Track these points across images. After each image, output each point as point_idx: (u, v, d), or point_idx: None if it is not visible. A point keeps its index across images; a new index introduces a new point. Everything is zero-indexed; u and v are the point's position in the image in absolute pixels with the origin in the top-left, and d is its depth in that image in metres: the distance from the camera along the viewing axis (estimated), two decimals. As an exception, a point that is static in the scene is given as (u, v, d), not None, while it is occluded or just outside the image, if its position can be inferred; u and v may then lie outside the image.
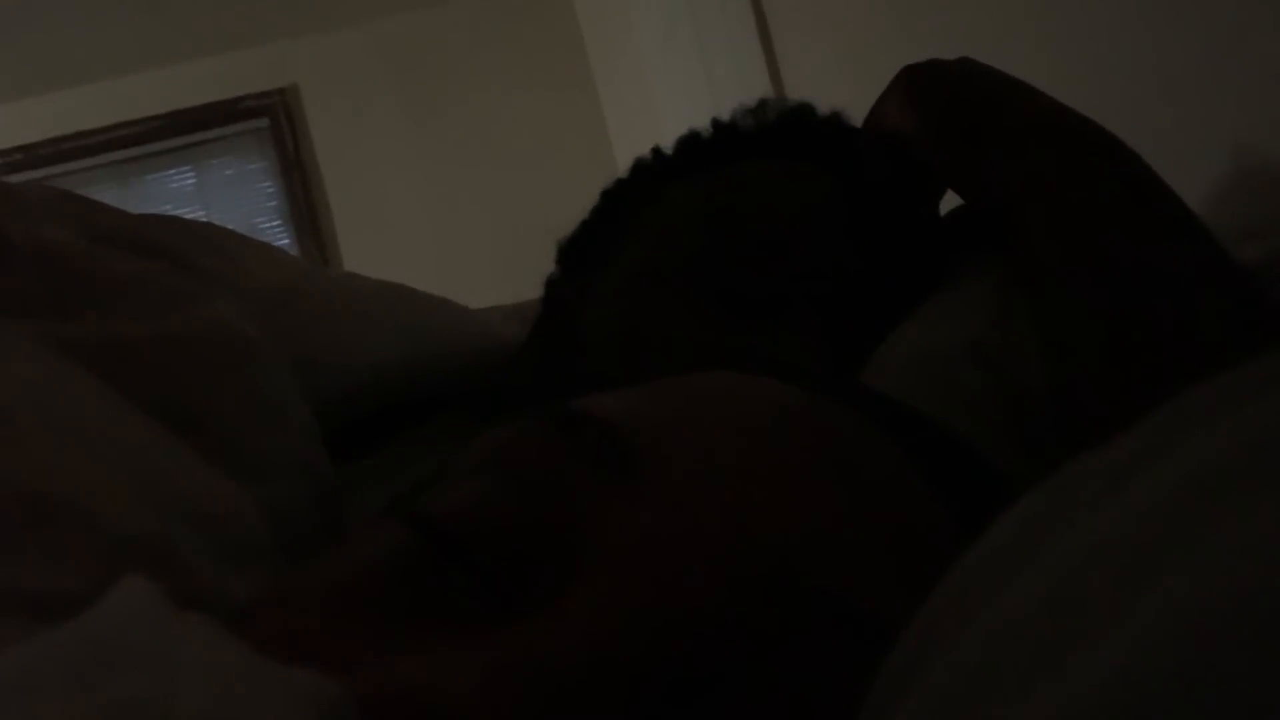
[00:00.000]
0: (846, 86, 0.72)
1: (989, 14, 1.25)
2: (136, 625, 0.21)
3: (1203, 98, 0.84)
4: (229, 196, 3.89)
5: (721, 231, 0.63)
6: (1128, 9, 0.94)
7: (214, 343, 0.48)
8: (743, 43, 2.09)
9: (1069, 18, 1.03)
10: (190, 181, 3.96)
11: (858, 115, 0.71)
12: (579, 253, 0.71)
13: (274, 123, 3.89)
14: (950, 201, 0.67)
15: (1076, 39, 1.02)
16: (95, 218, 0.55)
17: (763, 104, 0.72)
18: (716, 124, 0.72)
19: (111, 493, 0.36)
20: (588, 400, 0.32)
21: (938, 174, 0.64)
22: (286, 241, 3.79)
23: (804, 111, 0.71)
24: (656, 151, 0.73)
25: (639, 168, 0.73)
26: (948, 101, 0.62)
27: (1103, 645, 0.18)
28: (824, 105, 0.72)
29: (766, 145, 0.69)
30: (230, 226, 0.68)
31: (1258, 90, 0.78)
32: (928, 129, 0.62)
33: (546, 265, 0.73)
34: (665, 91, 2.83)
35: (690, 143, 0.72)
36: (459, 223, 3.81)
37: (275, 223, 3.87)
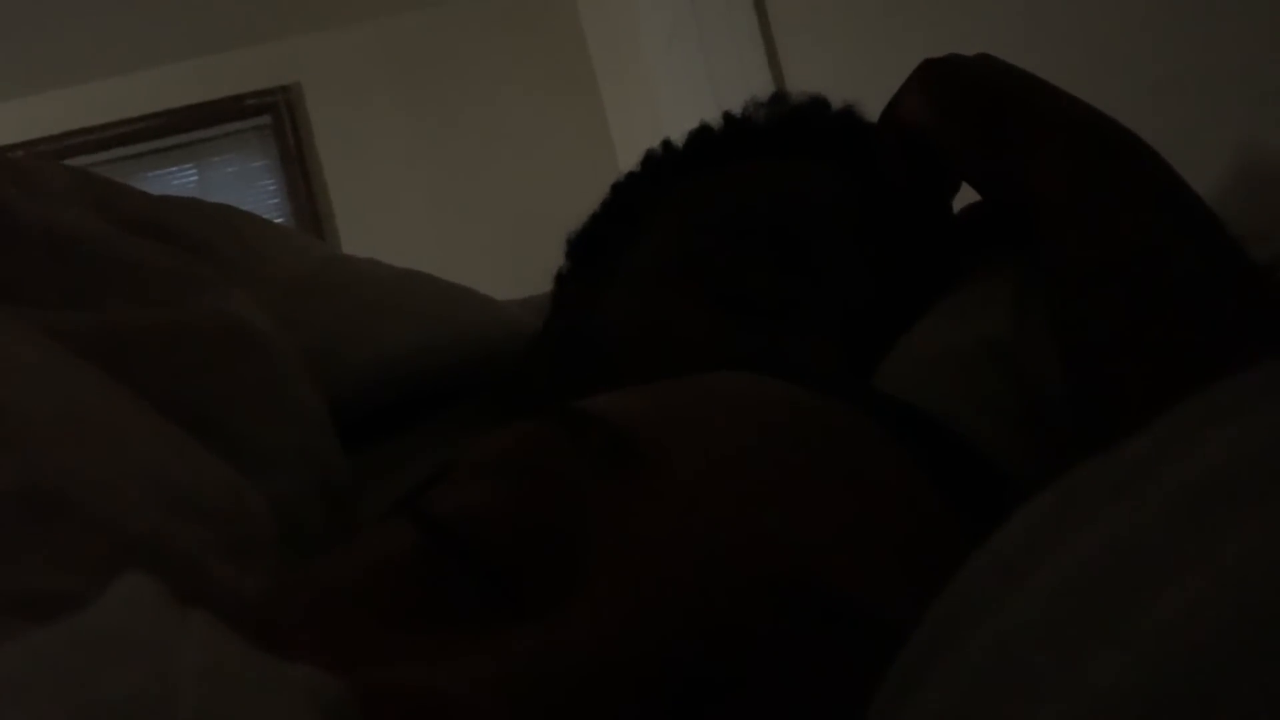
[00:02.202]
0: (849, 88, 0.71)
1: (989, 14, 1.25)
2: (136, 621, 0.21)
3: (1205, 97, 0.84)
4: (231, 194, 3.89)
5: (735, 231, 0.62)
6: (1129, 9, 0.94)
7: (220, 334, 0.47)
8: (745, 44, 2.09)
9: (1070, 18, 1.03)
10: (193, 179, 3.96)
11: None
12: (589, 248, 0.69)
13: (276, 120, 3.89)
14: (965, 197, 0.66)
15: (1078, 39, 1.02)
16: (115, 200, 0.54)
17: (776, 97, 0.71)
18: (729, 118, 0.70)
19: (116, 490, 0.36)
20: (595, 400, 0.31)
21: (954, 168, 0.63)
22: (288, 239, 3.80)
23: (818, 106, 0.70)
24: (667, 145, 0.71)
25: (649, 161, 0.71)
26: (968, 96, 0.61)
27: (1109, 651, 0.18)
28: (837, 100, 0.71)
29: (780, 141, 0.68)
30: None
31: (1260, 90, 0.78)
32: (947, 123, 0.61)
33: (548, 264, 0.72)
34: (668, 92, 2.83)
35: (702, 137, 0.70)
36: (460, 221, 3.82)
37: (277, 220, 3.87)
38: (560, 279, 0.71)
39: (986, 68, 0.63)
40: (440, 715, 0.23)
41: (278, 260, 0.62)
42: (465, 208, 3.84)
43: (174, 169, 3.94)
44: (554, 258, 0.72)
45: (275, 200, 3.94)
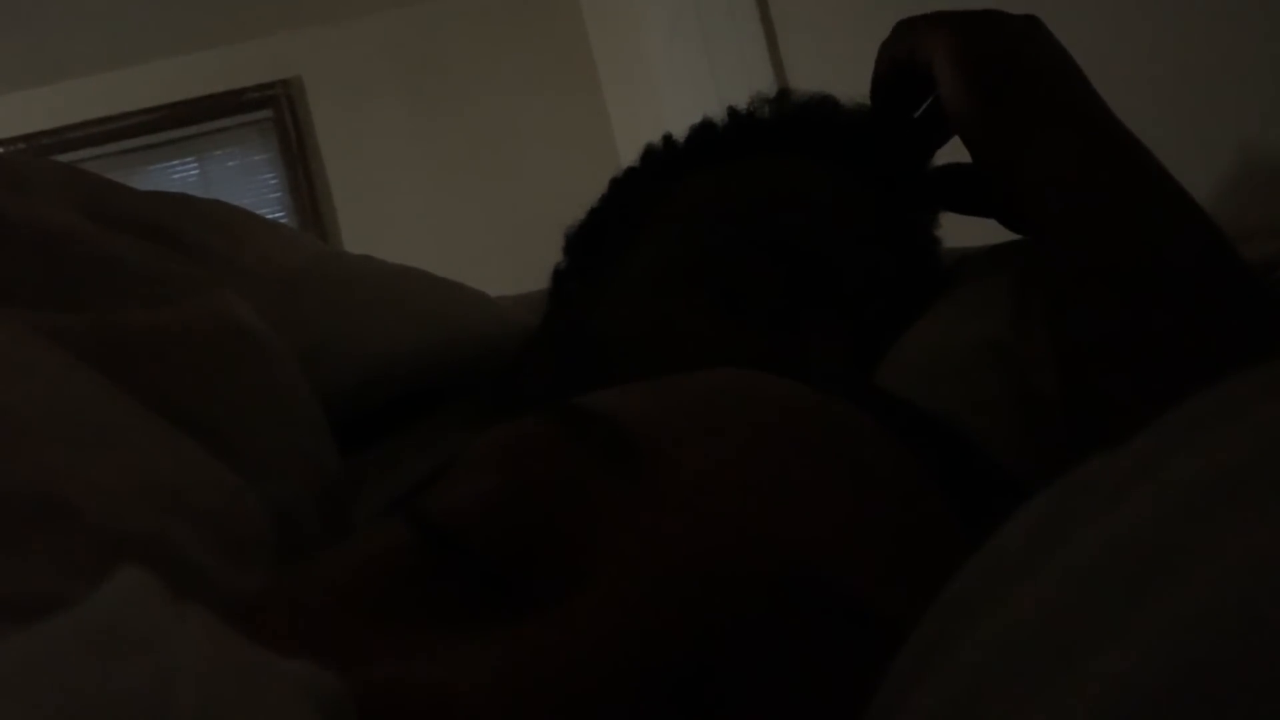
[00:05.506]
0: (851, 84, 0.71)
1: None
2: (133, 616, 0.21)
3: (1205, 97, 0.84)
4: (232, 187, 3.90)
5: (738, 231, 0.61)
6: (1131, 9, 0.94)
7: (216, 334, 0.47)
8: (747, 39, 2.09)
9: (1071, 18, 1.02)
10: (194, 172, 3.97)
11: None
12: (588, 244, 0.69)
13: (277, 114, 3.90)
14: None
15: (1079, 39, 1.02)
16: (105, 197, 0.54)
17: (782, 94, 0.69)
18: (733, 113, 0.69)
19: (112, 491, 0.36)
20: (595, 396, 0.31)
21: (970, 148, 0.61)
22: (289, 233, 3.80)
23: (825, 104, 0.69)
24: (668, 140, 0.70)
25: (650, 156, 0.70)
26: (998, 70, 0.59)
27: (1109, 651, 0.18)
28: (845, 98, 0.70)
29: (785, 138, 0.67)
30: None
31: (1260, 90, 0.78)
32: (983, 113, 0.59)
33: (549, 260, 0.72)
34: (670, 86, 2.83)
35: (705, 132, 0.69)
36: (460, 215, 3.82)
37: (278, 214, 3.88)
38: (558, 275, 0.70)
39: (1021, 37, 0.61)
40: (439, 712, 0.23)
41: (270, 258, 0.62)
42: (465, 201, 3.84)
43: (175, 163, 3.95)
44: (554, 254, 0.71)
45: (276, 194, 3.94)
